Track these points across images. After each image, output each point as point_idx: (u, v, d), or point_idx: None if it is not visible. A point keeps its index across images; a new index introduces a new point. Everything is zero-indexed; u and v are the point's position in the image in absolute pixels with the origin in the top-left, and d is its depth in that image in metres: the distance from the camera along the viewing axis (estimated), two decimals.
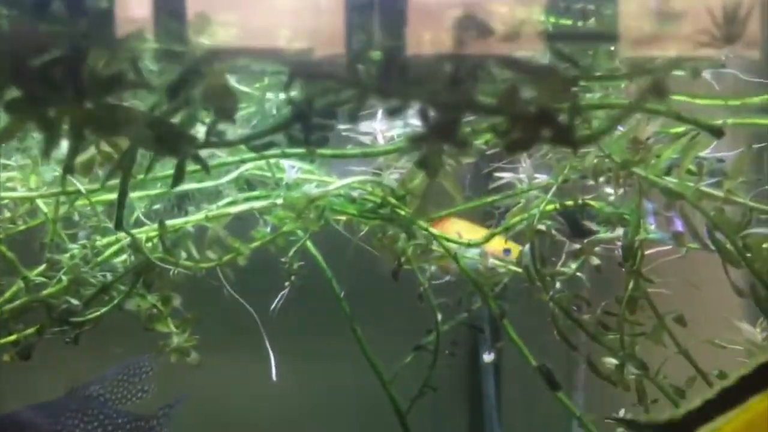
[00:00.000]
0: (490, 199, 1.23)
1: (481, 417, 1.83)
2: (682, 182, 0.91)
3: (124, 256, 0.98)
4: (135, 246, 0.93)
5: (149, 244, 0.98)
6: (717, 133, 0.87)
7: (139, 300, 0.98)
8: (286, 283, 1.29)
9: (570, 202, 1.13)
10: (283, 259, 1.30)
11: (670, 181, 0.93)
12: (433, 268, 1.37)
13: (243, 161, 1.09)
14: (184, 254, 0.99)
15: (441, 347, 1.38)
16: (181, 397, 1.23)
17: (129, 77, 0.61)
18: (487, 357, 1.28)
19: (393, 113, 0.62)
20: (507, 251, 1.25)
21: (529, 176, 1.21)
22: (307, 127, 0.68)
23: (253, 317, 1.36)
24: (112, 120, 0.60)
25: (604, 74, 0.88)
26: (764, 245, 0.89)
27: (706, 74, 1.14)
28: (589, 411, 1.28)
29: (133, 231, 0.97)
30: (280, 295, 1.29)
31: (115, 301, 0.98)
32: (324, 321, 1.47)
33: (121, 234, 0.97)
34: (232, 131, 0.68)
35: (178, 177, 0.66)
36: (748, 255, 0.87)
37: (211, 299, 1.26)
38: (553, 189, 1.10)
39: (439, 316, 1.38)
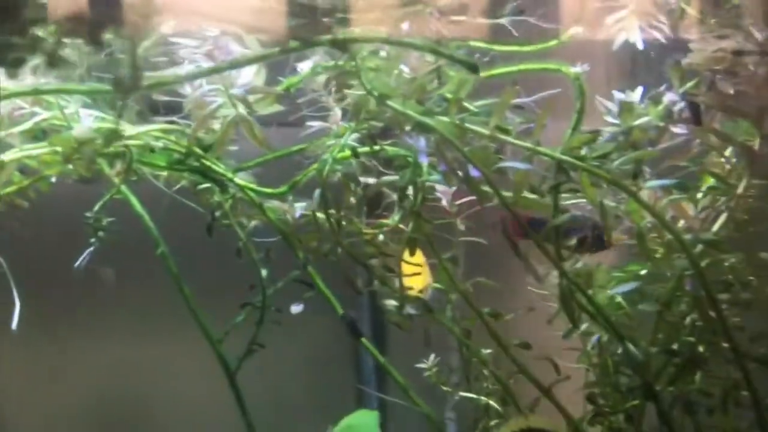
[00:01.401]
0: (295, 148, 1.22)
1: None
2: (441, 119, 0.91)
3: None
4: None
5: None
6: (472, 69, 0.87)
7: None
8: (92, 239, 1.26)
9: (366, 149, 1.12)
10: (88, 214, 1.27)
11: (441, 119, 0.92)
12: (253, 222, 1.36)
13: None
14: None
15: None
16: None
17: None
18: (295, 308, 1.27)
19: None
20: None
21: (336, 123, 1.20)
22: None
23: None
24: None
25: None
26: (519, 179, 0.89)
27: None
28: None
29: None
30: (86, 252, 1.26)
31: None
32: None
33: None
34: None
35: None
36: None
37: None
38: (347, 135, 1.09)
39: (264, 272, 1.38)
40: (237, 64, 0.96)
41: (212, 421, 1.60)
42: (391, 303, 1.05)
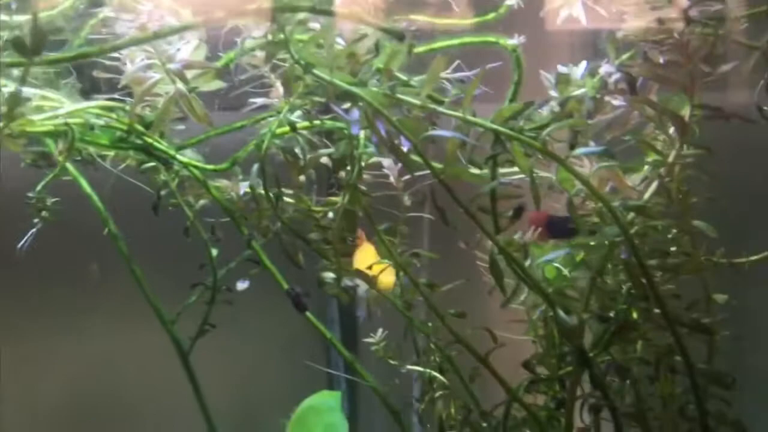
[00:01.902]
0: (239, 123, 1.22)
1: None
2: (371, 89, 0.91)
3: None
4: None
5: None
6: (400, 38, 0.87)
7: None
8: (36, 220, 1.25)
9: (307, 123, 1.12)
10: (29, 194, 1.26)
11: (370, 89, 0.92)
12: (201, 202, 1.35)
13: None
14: None
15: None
16: None
17: None
18: (241, 285, 1.27)
19: None
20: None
21: (279, 99, 1.19)
22: None
23: None
24: None
25: None
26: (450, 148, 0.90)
27: None
28: None
29: None
30: (29, 233, 1.25)
31: None
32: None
33: None
34: None
35: None
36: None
37: None
38: (286, 110, 1.09)
39: (215, 252, 1.37)
40: (162, 35, 0.95)
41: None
42: (329, 275, 1.05)
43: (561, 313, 0.95)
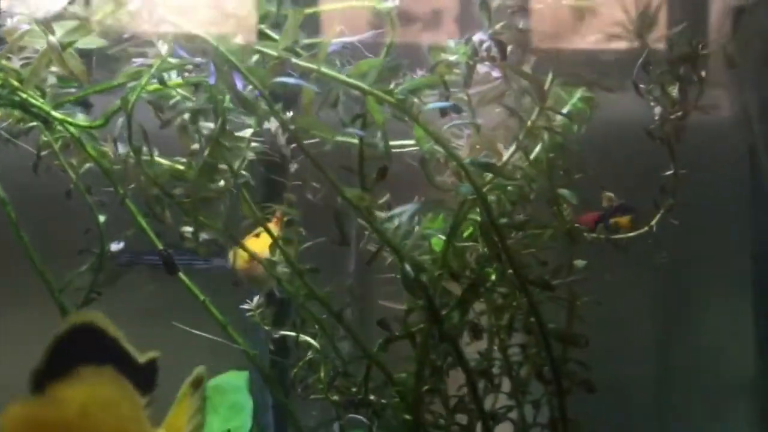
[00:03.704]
0: (115, 82, 1.20)
1: None
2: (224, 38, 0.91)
3: None
4: None
5: None
6: None
7: None
8: None
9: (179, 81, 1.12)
10: None
11: (223, 39, 0.92)
12: (87, 165, 1.33)
13: None
14: None
15: None
16: None
17: None
18: (114, 246, 1.26)
19: None
20: None
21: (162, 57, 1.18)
22: None
23: None
24: None
25: None
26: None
27: None
28: None
29: None
30: None
31: None
32: None
33: None
34: None
35: None
36: None
37: None
38: (156, 65, 1.08)
39: (102, 217, 1.36)
40: None
41: None
42: (187, 229, 1.05)
43: (406, 266, 0.96)
